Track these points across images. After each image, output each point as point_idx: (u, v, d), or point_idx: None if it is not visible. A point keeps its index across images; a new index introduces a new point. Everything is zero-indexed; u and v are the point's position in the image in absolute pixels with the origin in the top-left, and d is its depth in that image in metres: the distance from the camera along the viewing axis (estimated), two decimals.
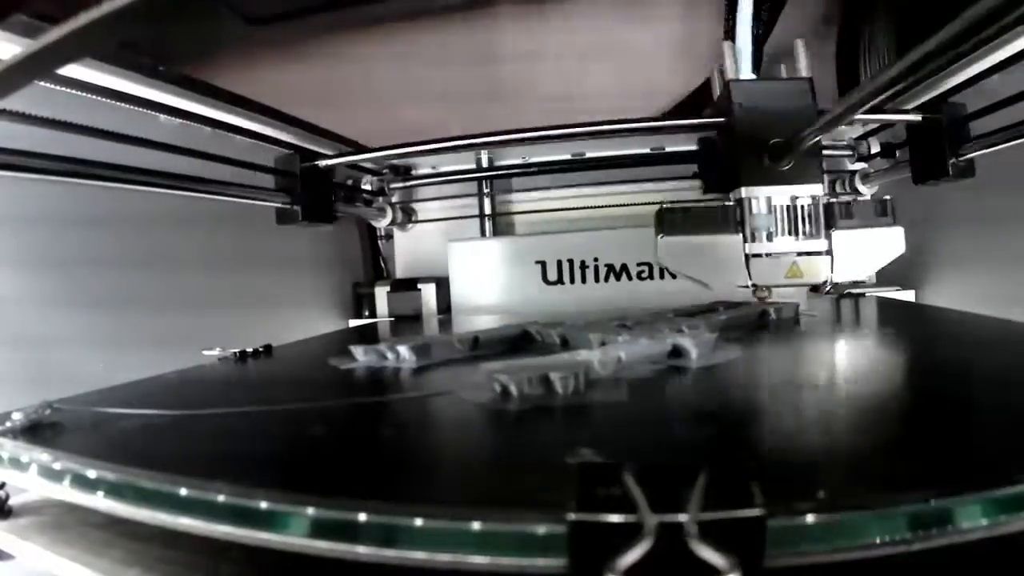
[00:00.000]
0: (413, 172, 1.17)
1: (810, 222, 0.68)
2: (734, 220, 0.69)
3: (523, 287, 1.07)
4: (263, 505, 0.24)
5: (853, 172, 1.06)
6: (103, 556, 0.29)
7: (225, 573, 0.26)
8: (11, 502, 0.34)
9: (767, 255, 0.68)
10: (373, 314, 1.16)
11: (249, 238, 0.87)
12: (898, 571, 0.22)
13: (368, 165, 1.11)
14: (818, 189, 0.67)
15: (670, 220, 0.71)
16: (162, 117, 0.67)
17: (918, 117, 0.78)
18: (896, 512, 0.21)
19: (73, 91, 0.57)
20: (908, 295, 1.00)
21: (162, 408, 0.39)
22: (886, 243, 0.69)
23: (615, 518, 0.19)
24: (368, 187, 1.15)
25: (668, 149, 1.08)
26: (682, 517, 0.19)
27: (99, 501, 0.28)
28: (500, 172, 1.15)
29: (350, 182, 1.13)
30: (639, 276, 1.04)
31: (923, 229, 0.98)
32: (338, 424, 0.37)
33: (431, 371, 0.51)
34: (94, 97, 0.59)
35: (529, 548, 0.21)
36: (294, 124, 0.84)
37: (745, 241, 0.68)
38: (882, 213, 0.69)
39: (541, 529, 0.21)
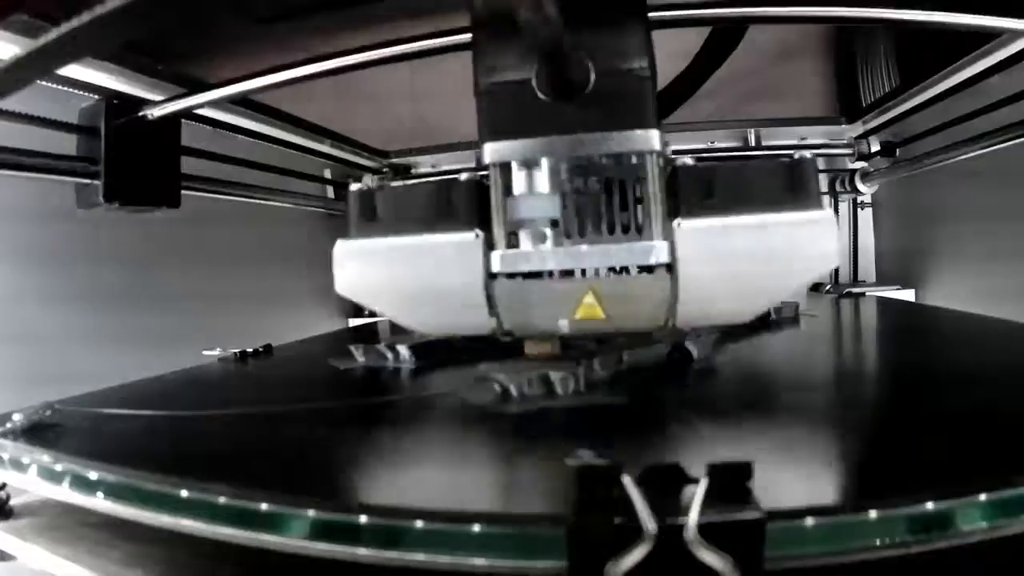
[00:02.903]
0: (413, 171, 1.17)
1: (632, 207, 0.34)
2: (472, 206, 0.35)
3: None
4: (263, 507, 0.24)
5: (853, 171, 1.06)
6: (103, 557, 0.29)
7: (225, 574, 0.26)
8: (12, 503, 0.34)
9: (537, 275, 0.34)
10: (373, 313, 1.15)
11: (250, 237, 0.87)
12: (898, 573, 0.22)
13: (365, 161, 1.11)
14: (652, 139, 0.33)
15: (364, 207, 0.37)
16: None
17: None
18: (895, 515, 0.21)
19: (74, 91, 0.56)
20: (908, 294, 1.00)
21: (162, 409, 0.39)
22: (806, 245, 0.31)
23: (615, 521, 0.19)
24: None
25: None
26: (682, 520, 0.19)
27: (99, 503, 0.28)
28: None
29: (351, 181, 1.13)
30: None
31: (923, 228, 0.99)
32: (338, 426, 0.37)
33: (431, 371, 0.51)
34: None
35: (529, 551, 0.21)
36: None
37: (492, 248, 0.34)
38: (789, 186, 0.32)
39: (541, 531, 0.21)
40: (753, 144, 1.07)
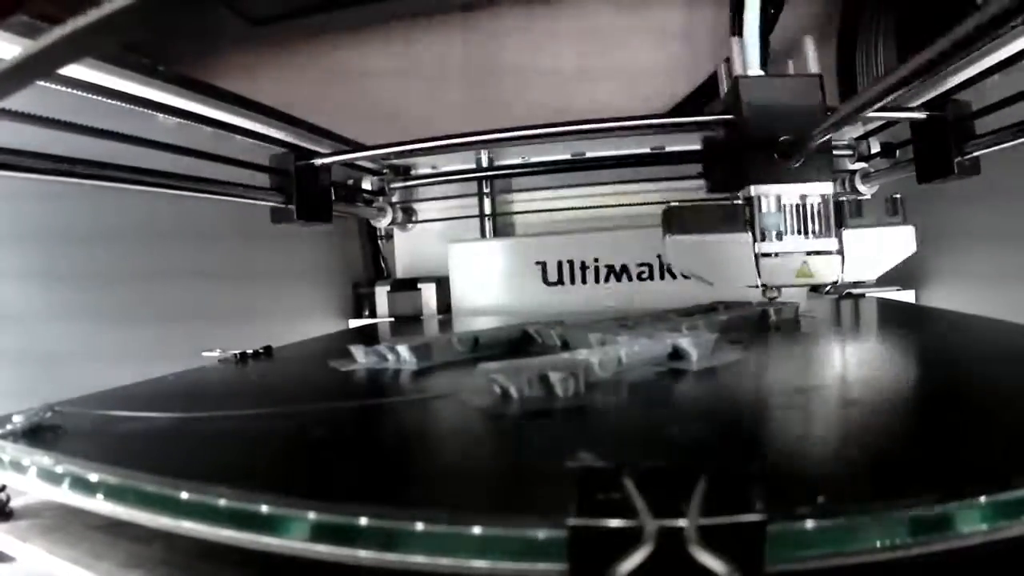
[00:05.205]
0: (413, 172, 1.17)
1: (820, 221, 0.67)
2: (743, 219, 0.68)
3: (523, 288, 1.07)
4: (264, 509, 0.24)
5: (853, 172, 1.06)
6: (104, 559, 0.29)
7: None
8: (12, 504, 0.34)
9: (777, 255, 0.67)
10: (373, 314, 1.16)
11: (249, 239, 0.87)
12: (897, 575, 0.22)
13: (368, 164, 1.11)
14: (828, 187, 0.66)
15: (678, 219, 0.69)
16: (160, 116, 0.67)
17: (923, 115, 0.76)
18: (896, 517, 0.21)
19: (75, 91, 0.57)
20: (908, 295, 1.00)
21: (162, 411, 0.39)
22: (897, 242, 0.68)
23: (615, 523, 0.19)
24: (368, 187, 1.15)
25: (668, 149, 1.08)
26: (682, 522, 0.19)
27: (100, 504, 0.28)
28: (500, 172, 1.15)
29: (351, 182, 1.13)
30: (639, 277, 1.04)
31: (923, 229, 0.98)
32: (338, 428, 0.37)
33: (431, 373, 0.51)
34: (95, 97, 0.58)
35: (529, 553, 0.21)
36: (291, 123, 0.84)
37: (755, 240, 0.67)
38: (893, 212, 0.69)
39: (541, 534, 0.21)
40: None
